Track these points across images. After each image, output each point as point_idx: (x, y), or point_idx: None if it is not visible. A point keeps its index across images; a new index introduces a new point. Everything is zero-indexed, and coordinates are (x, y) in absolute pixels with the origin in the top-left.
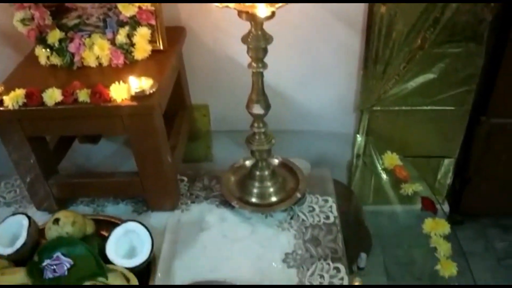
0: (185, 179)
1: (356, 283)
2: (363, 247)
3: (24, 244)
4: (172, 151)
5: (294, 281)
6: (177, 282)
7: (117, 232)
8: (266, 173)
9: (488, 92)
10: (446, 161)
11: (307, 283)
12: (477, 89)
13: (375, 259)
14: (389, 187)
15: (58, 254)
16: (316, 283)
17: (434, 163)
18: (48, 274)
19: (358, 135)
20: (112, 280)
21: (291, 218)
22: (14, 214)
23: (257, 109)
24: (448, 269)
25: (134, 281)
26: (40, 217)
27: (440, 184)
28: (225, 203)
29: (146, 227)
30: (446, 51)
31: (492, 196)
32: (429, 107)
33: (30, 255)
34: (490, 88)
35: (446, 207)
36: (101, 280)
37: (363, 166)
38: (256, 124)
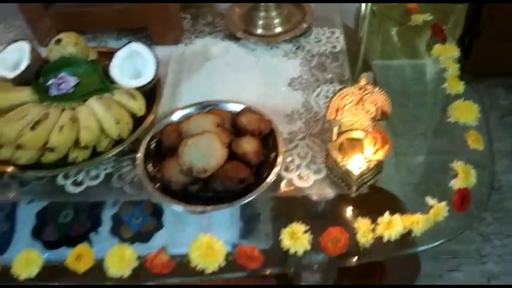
0: (188, 16)
1: (363, 80)
2: None
3: (28, 66)
4: None
5: (300, 102)
6: (182, 104)
7: (120, 54)
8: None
9: None
10: (459, 6)
11: (312, 103)
12: None
13: None
14: (398, 39)
15: (63, 73)
16: (321, 103)
17: (445, 8)
18: (53, 91)
19: None
20: (118, 96)
21: (297, 48)
22: (15, 41)
23: None
24: (455, 87)
25: (140, 99)
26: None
27: (449, 34)
28: (230, 36)
29: (149, 48)
30: None
31: (501, 54)
32: None
33: (34, 79)
34: None
35: None
36: (106, 96)
37: (372, 16)
38: None
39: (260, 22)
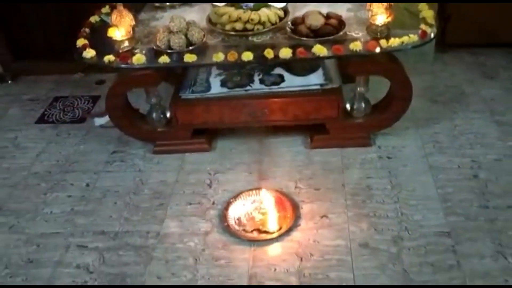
0: None
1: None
2: None
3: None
4: None
5: (352, 15)
6: (300, 14)
7: None
8: None
9: None
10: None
11: (358, 15)
12: None
13: None
14: None
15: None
16: (363, 15)
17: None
18: (244, 7)
19: None
20: (272, 8)
21: None
22: None
23: None
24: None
25: (281, 10)
26: None
27: None
28: None
29: None
30: None
31: (467, 31)
32: None
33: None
34: None
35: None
36: (267, 7)
37: None
38: None
39: None
